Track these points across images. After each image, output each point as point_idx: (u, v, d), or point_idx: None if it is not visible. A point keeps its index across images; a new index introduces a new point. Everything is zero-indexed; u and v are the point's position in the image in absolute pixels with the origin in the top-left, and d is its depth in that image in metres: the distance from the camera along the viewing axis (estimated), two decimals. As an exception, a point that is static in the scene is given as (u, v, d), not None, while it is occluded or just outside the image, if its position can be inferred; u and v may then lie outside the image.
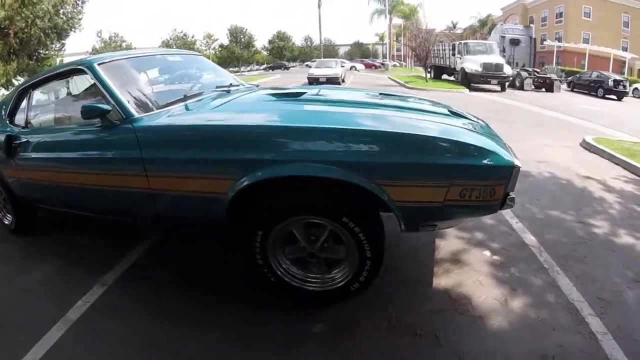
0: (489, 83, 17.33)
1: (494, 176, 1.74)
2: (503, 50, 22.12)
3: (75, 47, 23.78)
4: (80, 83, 3.72)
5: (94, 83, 2.48)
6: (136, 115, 2.22)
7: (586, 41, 31.44)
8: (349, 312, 2.05)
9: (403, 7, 39.71)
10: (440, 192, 1.68)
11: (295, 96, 2.59)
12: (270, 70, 41.79)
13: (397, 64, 48.00)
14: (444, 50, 21.16)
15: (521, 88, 18.30)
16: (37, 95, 3.15)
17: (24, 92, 3.02)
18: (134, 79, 2.64)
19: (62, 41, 22.04)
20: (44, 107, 3.46)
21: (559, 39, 33.15)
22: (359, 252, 1.90)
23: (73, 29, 21.57)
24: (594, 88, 18.43)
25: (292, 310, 2.12)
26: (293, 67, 46.35)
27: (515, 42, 23.96)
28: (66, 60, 22.36)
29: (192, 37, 45.19)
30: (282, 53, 55.70)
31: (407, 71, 34.83)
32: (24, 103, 3.03)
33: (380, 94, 2.88)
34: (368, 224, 1.88)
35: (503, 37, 23.70)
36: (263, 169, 1.84)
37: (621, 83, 17.56)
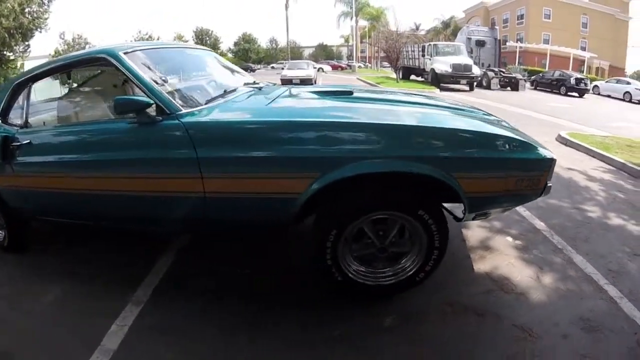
0: (458, 83, 17.95)
1: (540, 167, 2.00)
2: (471, 52, 23.07)
3: (38, 50, 22.63)
4: (75, 79, 3.39)
5: (109, 75, 2.35)
6: (183, 110, 2.02)
7: (546, 41, 33.08)
8: (412, 304, 2.13)
9: (370, 9, 40.29)
10: (501, 182, 1.92)
11: (342, 94, 2.57)
12: (236, 73, 41.19)
13: (362, 65, 48.73)
14: (414, 51, 21.78)
15: (488, 87, 19.12)
16: (39, 89, 2.80)
17: (21, 87, 2.61)
18: (163, 70, 2.36)
19: (27, 42, 21.13)
20: (47, 103, 3.15)
21: (520, 40, 34.53)
22: (428, 243, 2.00)
23: (39, 29, 20.70)
24: (557, 86, 19.40)
25: (353, 307, 2.11)
26: (258, 69, 46.06)
27: (480, 44, 25.04)
28: (28, 64, 21.37)
29: (158, 38, 44.13)
30: (247, 55, 55.17)
31: (374, 72, 35.41)
32: (21, 99, 2.62)
33: (409, 94, 3.04)
34: (438, 215, 1.98)
35: (469, 39, 24.70)
36: (350, 166, 1.82)
37: (582, 81, 18.63)
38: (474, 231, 2.99)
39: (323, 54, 62.40)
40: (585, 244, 2.82)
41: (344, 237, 2.00)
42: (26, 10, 19.31)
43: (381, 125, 1.93)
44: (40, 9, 19.96)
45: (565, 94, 18.64)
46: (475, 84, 18.17)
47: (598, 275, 2.40)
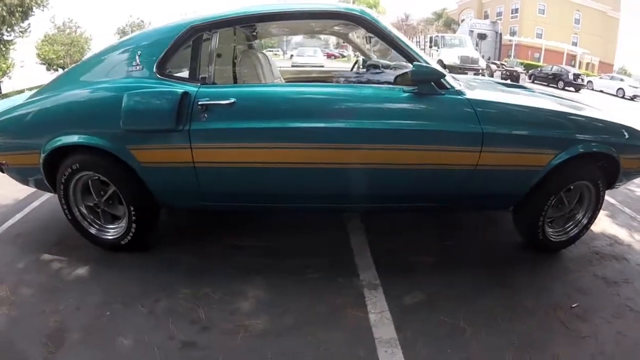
0: (465, 74, 18.89)
1: None
2: (476, 45, 23.97)
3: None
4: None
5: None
6: (456, 87, 2.14)
7: (539, 36, 34.30)
8: (574, 254, 2.70)
9: (368, -2, 40.55)
10: (637, 162, 2.62)
11: (518, 87, 3.25)
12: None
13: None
14: (418, 42, 22.56)
15: (490, 79, 20.13)
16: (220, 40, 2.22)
17: (197, 32, 2.16)
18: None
19: (28, 21, 20.72)
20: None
21: (514, 33, 35.60)
22: (594, 205, 2.54)
23: (40, 7, 20.30)
24: (554, 80, 20.49)
25: (536, 259, 2.59)
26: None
27: (482, 37, 25.83)
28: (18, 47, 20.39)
29: (150, 23, 43.12)
30: (237, 41, 54.63)
31: (371, 60, 35.72)
32: (198, 49, 2.20)
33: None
34: (604, 184, 2.51)
35: (472, 32, 25.45)
36: (581, 146, 2.26)
37: (579, 77, 19.90)
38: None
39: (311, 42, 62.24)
40: (648, 214, 3.64)
41: (552, 203, 2.41)
42: (27, -14, 18.85)
43: (599, 119, 2.49)
44: (42, -14, 19.47)
45: (563, 89, 19.65)
46: (480, 76, 19.07)
47: (668, 234, 3.22)
